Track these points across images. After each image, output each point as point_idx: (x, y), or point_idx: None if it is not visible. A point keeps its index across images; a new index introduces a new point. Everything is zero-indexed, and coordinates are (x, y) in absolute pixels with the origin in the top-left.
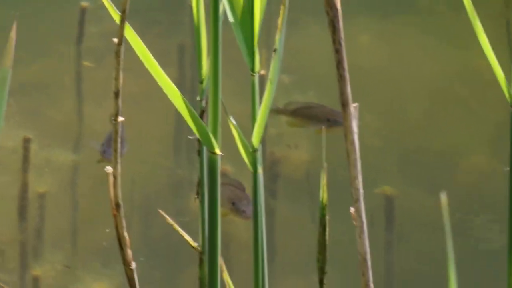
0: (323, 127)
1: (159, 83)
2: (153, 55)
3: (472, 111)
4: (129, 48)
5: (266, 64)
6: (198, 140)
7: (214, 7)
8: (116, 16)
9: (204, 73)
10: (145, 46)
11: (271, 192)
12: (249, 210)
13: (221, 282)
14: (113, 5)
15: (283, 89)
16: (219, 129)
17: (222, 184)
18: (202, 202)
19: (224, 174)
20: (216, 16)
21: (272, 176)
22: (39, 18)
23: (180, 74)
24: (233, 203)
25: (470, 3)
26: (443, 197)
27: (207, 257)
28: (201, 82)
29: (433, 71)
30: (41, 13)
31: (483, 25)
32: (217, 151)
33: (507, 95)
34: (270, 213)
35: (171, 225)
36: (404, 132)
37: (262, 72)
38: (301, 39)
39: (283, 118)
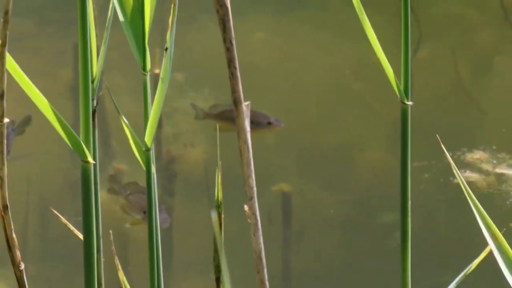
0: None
1: (28, 93)
2: (48, 54)
3: (368, 107)
4: (25, 48)
5: (160, 63)
6: None
7: (81, 7)
8: None
9: (95, 72)
10: (7, 55)
11: (167, 191)
12: (161, 218)
13: (117, 281)
14: None
15: (178, 87)
16: (91, 137)
17: (133, 193)
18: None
19: (135, 183)
20: (84, 16)
21: (169, 175)
22: None
23: (76, 74)
24: (145, 212)
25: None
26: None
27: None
28: (92, 82)
29: (329, 67)
30: None
31: (381, 23)
32: (90, 159)
33: (396, 91)
34: (167, 212)
35: (66, 224)
36: (300, 129)
37: (157, 71)
38: (197, 37)
39: (204, 121)
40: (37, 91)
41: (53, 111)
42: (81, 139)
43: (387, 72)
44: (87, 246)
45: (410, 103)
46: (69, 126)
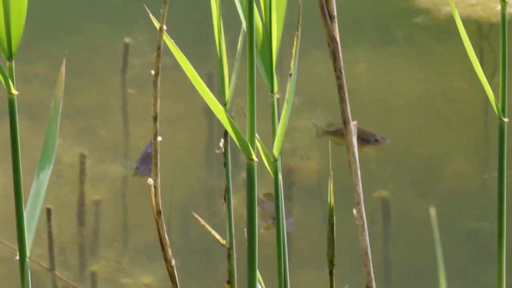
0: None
1: (207, 102)
2: (186, 83)
3: (452, 124)
4: (166, 77)
5: (279, 88)
6: (224, 154)
7: (250, 39)
8: (156, 52)
9: (227, 97)
10: (193, 69)
11: (287, 197)
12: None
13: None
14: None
15: (295, 109)
16: (255, 139)
17: (267, 201)
18: (228, 205)
19: (270, 194)
20: (252, 46)
21: (288, 184)
22: (91, 53)
23: None
24: (274, 218)
25: (467, 38)
26: (432, 211)
27: (234, 252)
28: (225, 104)
29: (419, 92)
30: (92, 48)
31: (459, 55)
32: (254, 157)
33: (495, 109)
34: (287, 214)
35: (204, 226)
36: (396, 144)
37: (277, 96)
38: (310, 67)
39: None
40: (216, 101)
41: (227, 117)
42: (247, 140)
43: (487, 93)
44: (250, 235)
45: (506, 119)
46: (238, 128)
